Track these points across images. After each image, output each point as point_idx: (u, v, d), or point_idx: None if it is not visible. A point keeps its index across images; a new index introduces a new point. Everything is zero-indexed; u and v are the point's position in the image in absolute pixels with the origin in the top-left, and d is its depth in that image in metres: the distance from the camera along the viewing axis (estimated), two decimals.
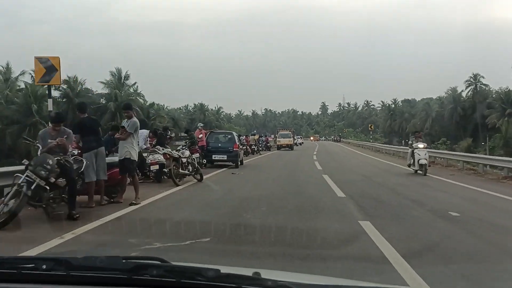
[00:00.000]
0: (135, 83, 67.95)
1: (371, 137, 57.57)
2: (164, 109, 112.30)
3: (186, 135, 18.42)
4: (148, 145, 14.29)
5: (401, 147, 36.29)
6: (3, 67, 61.78)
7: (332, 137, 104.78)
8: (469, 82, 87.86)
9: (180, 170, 12.37)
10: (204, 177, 14.00)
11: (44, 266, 1.39)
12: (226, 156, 19.30)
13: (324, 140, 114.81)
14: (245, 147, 31.03)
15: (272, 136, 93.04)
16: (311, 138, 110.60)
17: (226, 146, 19.62)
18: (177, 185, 12.00)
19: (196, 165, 13.44)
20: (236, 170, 18.04)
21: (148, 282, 1.35)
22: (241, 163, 21.61)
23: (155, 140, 14.09)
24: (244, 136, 35.63)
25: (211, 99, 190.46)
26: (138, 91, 73.98)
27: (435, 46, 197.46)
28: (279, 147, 45.25)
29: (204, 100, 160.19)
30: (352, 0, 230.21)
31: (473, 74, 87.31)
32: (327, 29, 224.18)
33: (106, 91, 65.70)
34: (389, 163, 24.92)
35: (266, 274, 1.46)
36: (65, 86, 62.94)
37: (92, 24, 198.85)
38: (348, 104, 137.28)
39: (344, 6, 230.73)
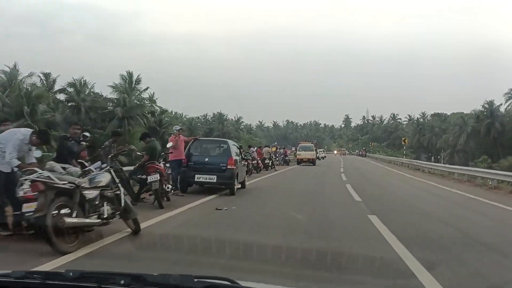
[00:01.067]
0: (147, 88, 61.87)
1: (404, 152, 49.80)
2: (182, 117, 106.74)
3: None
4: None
5: (453, 166, 28.67)
6: (9, 68, 56.94)
7: (357, 151, 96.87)
8: (510, 95, 79.32)
9: (69, 219, 5.45)
10: (164, 216, 7.86)
11: (122, 282, 1.41)
12: (215, 176, 12.36)
13: (348, 154, 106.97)
14: (255, 161, 24.07)
15: (293, 148, 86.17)
16: (335, 151, 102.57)
17: (217, 161, 12.69)
18: (63, 250, 5.27)
19: (125, 203, 6.46)
20: (228, 200, 11.18)
21: None
22: (243, 186, 14.73)
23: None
24: (256, 148, 28.70)
25: (232, 109, 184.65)
26: (151, 97, 68.32)
27: (466, 58, 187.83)
28: (299, 162, 38.16)
29: (226, 110, 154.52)
30: (378, 14, 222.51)
31: None
32: (352, 41, 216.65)
33: (115, 95, 59.80)
34: (452, 190, 17.56)
35: None
36: (71, 89, 57.57)
37: (121, 35, 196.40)
38: (373, 117, 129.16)
39: (371, 21, 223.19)
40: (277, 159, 36.74)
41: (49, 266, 4.57)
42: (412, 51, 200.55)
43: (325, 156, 70.23)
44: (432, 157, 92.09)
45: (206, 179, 12.36)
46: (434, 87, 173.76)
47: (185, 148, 12.77)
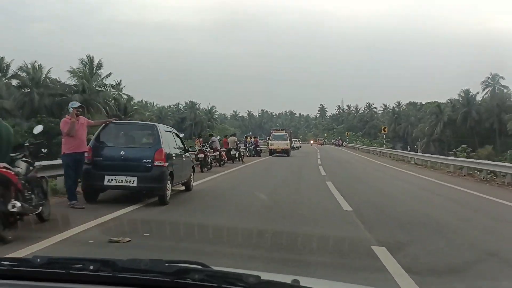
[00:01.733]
0: (110, 73, 56.35)
1: (384, 141, 46.26)
2: (153, 106, 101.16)
3: None
4: None
5: (450, 158, 24.95)
6: None
7: (333, 140, 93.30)
8: (487, 83, 76.96)
9: None
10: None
11: (91, 267, 1.37)
12: (135, 178, 8.05)
13: (323, 144, 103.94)
14: (217, 153, 19.83)
15: (267, 138, 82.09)
16: (311, 141, 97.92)
17: (139, 155, 8.36)
18: None
19: None
20: (148, 216, 7.03)
21: (190, 286, 1.33)
22: (187, 188, 10.54)
23: None
24: (219, 138, 24.47)
25: (205, 99, 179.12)
26: (118, 85, 63.04)
27: (441, 48, 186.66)
28: (272, 152, 34.00)
29: (199, 100, 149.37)
30: (353, 3, 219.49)
31: (491, 74, 76.46)
32: (327, 31, 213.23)
33: (74, 81, 54.32)
34: (450, 186, 13.74)
35: (305, 282, 1.40)
36: (24, 74, 51.85)
37: (91, 23, 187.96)
38: (349, 106, 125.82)
39: (345, 9, 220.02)
40: (246, 149, 32.58)
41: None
42: (387, 40, 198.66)
43: (300, 146, 66.40)
44: (408, 147, 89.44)
45: (121, 182, 8.04)
46: (409, 77, 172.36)
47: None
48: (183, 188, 10.55)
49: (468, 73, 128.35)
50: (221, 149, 21.17)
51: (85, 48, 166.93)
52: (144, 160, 8.15)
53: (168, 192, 8.53)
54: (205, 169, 17.10)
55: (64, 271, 1.39)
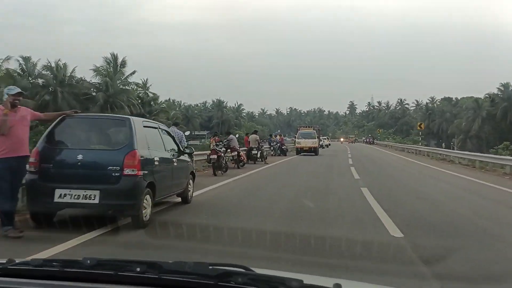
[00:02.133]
0: (134, 71, 54.73)
1: (420, 139, 42.77)
2: (180, 105, 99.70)
3: None
4: None
5: (499, 156, 21.69)
6: None
7: (364, 138, 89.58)
8: None
9: None
10: None
11: (138, 269, 1.39)
12: (97, 193, 5.70)
13: (354, 142, 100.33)
14: (235, 153, 17.47)
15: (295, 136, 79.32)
16: (342, 139, 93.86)
17: (102, 161, 5.98)
18: None
19: None
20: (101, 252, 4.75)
21: None
22: (185, 200, 8.21)
23: None
24: (238, 136, 22.14)
25: (234, 97, 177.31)
26: (144, 84, 61.44)
27: (477, 40, 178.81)
28: (299, 151, 31.40)
29: (228, 98, 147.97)
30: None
31: None
32: (356, 27, 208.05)
33: (98, 80, 53.11)
34: None
35: (346, 285, 1.36)
36: (48, 73, 50.80)
37: (119, 25, 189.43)
38: (379, 103, 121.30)
39: (373, 2, 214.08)
40: (271, 148, 30.11)
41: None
42: (418, 34, 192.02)
43: (329, 144, 63.37)
44: (443, 144, 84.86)
45: (78, 199, 5.71)
46: (443, 72, 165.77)
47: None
48: (179, 199, 8.21)
49: (507, 66, 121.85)
50: (241, 149, 18.78)
51: (113, 49, 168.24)
52: (110, 167, 5.79)
53: (147, 211, 6.14)
54: (220, 172, 14.72)
55: (112, 272, 1.40)
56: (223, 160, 14.99)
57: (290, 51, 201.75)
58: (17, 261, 1.52)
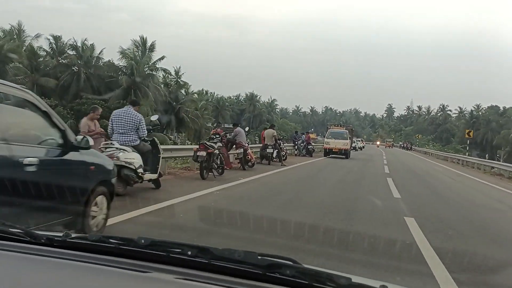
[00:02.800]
0: (163, 57, 51.47)
1: (462, 148, 37.63)
2: (213, 96, 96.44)
3: None
4: None
5: None
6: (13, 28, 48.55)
7: (401, 143, 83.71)
8: None
9: None
10: None
11: (189, 252, 1.40)
12: None
13: (391, 146, 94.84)
14: (240, 150, 13.63)
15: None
16: (378, 142, 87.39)
17: None
18: None
19: None
20: None
21: (280, 280, 1.30)
22: (83, 232, 4.27)
23: None
24: (248, 130, 18.14)
25: (269, 92, 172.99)
26: (177, 72, 58.23)
27: None
28: (327, 152, 27.17)
29: (263, 93, 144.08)
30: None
31: None
32: (395, 27, 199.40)
33: (123, 63, 50.17)
34: None
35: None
36: (74, 53, 48.19)
37: (163, 14, 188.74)
38: (419, 107, 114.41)
39: (413, 5, 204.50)
40: (295, 147, 26.09)
41: None
42: (462, 41, 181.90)
43: (363, 147, 58.43)
44: (486, 155, 78.13)
45: None
46: (489, 78, 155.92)
47: None
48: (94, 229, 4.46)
49: None
50: (248, 145, 14.90)
51: (155, 38, 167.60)
52: None
53: None
54: (212, 174, 10.90)
55: (165, 253, 1.42)
56: (217, 158, 11.11)
57: (331, 50, 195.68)
58: (74, 236, 1.52)
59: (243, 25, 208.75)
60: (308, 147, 26.50)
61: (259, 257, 1.37)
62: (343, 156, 26.48)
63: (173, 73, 73.38)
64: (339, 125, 28.80)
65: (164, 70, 51.54)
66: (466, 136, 33.94)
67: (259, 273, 1.31)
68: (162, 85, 52.05)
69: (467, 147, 37.16)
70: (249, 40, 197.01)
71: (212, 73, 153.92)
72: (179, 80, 78.82)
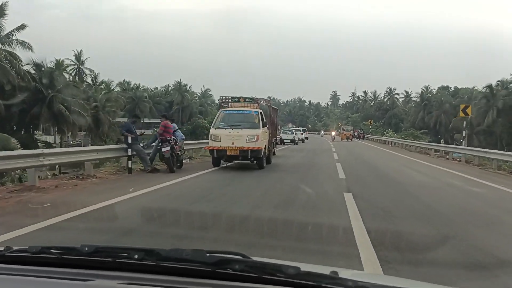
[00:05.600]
0: (23, 26, 34.49)
1: (464, 134, 23.84)
2: (129, 85, 78.50)
3: None
4: None
5: None
6: None
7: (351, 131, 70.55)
8: None
9: None
10: None
11: (136, 256, 1.34)
12: None
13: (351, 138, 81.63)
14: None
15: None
16: (333, 133, 58.68)
17: None
18: None
19: None
20: None
21: (230, 276, 1.27)
22: None
23: None
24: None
25: (202, 82, 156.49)
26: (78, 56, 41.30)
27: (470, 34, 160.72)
28: (217, 159, 12.13)
29: (194, 83, 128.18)
30: None
31: None
32: (339, 15, 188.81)
33: None
34: None
35: (343, 273, 1.30)
36: None
37: (104, 11, 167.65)
38: (365, 93, 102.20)
39: None
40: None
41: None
42: (405, 23, 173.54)
43: (306, 138, 44.26)
44: (442, 140, 66.12)
45: None
46: (434, 62, 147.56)
47: None
48: None
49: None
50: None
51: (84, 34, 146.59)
52: None
53: None
54: None
55: (110, 259, 1.36)
56: None
57: (271, 38, 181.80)
58: (14, 249, 1.45)
59: (184, 19, 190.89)
60: (178, 152, 11.37)
61: (207, 255, 1.31)
62: (253, 162, 11.76)
63: (73, 58, 57.17)
64: (242, 100, 13.17)
65: (23, 44, 34.26)
66: (461, 115, 20.03)
67: (208, 270, 1.27)
68: (25, 65, 35.07)
69: (464, 133, 23.30)
70: (190, 33, 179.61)
71: (149, 68, 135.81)
72: (81, 67, 61.00)
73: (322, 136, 68.87)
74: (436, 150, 23.34)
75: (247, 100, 13.42)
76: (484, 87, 58.83)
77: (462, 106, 20.44)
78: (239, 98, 13.35)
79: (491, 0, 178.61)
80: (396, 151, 27.00)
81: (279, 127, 46.43)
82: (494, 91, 56.76)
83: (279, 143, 33.83)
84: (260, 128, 12.14)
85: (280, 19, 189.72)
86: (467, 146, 42.21)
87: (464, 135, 22.53)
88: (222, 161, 12.33)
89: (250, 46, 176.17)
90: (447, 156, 19.93)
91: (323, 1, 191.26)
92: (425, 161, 17.65)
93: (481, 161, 16.40)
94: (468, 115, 19.81)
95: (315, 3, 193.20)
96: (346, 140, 48.74)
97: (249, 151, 11.62)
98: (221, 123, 12.33)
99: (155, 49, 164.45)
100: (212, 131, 12.17)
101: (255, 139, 11.77)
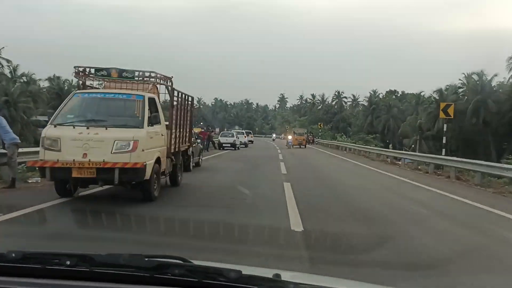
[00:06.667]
0: None
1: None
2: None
3: None
4: None
5: None
6: None
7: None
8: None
9: None
10: None
11: (68, 262, 1.25)
12: None
13: (282, 138, 76.85)
14: None
15: (217, 130, 53.56)
16: (289, 137, 41.35)
17: None
18: None
19: None
20: None
21: (170, 281, 1.20)
22: None
23: None
24: None
25: None
26: None
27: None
28: (58, 179, 6.27)
29: None
30: None
31: None
32: (286, 13, 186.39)
33: None
34: None
35: (286, 276, 1.28)
36: None
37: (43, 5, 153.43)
38: (313, 96, 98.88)
39: None
40: None
41: None
42: (351, 27, 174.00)
43: (250, 141, 38.90)
44: (390, 145, 63.15)
45: None
46: (377, 68, 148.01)
47: None
48: None
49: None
50: None
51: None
52: None
53: None
54: None
55: (40, 266, 1.27)
56: None
57: (219, 39, 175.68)
58: None
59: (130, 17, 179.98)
60: None
61: (146, 259, 1.25)
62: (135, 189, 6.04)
63: None
64: (115, 74, 7.53)
65: None
66: (442, 116, 15.39)
67: (146, 275, 1.19)
68: None
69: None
70: (136, 32, 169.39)
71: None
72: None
73: (273, 140, 63.35)
74: (396, 158, 20.30)
75: (125, 75, 7.38)
76: (434, 91, 56.38)
77: (442, 105, 15.82)
78: (109, 70, 7.27)
79: (435, 3, 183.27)
80: (354, 159, 22.12)
81: (215, 130, 39.99)
82: (444, 96, 54.41)
83: (217, 147, 28.15)
84: (143, 127, 6.32)
85: (228, 19, 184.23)
86: (418, 152, 39.25)
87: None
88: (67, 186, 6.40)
89: (196, 44, 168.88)
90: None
91: (271, 2, 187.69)
92: (410, 179, 12.65)
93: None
94: (450, 116, 15.16)
95: (262, 3, 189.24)
96: (298, 146, 37.28)
97: (116, 171, 5.80)
98: (69, 116, 6.39)
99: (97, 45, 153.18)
100: (48, 130, 6.17)
101: (130, 148, 5.99)
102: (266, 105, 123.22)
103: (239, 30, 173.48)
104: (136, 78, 7.28)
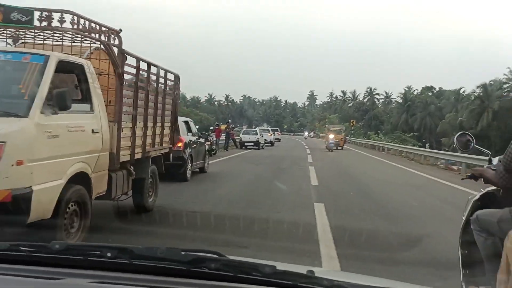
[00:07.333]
0: None
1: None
2: None
3: None
4: None
5: None
6: None
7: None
8: None
9: None
10: None
11: (109, 254, 1.27)
12: None
13: (312, 136, 72.96)
14: None
15: (244, 127, 50.66)
16: (331, 135, 28.17)
17: None
18: None
19: None
20: None
21: (205, 274, 1.22)
22: None
23: None
24: None
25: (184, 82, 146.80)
26: None
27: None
28: None
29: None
30: None
31: None
32: (318, 12, 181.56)
33: None
34: None
35: (319, 272, 1.25)
36: None
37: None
38: (344, 93, 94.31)
39: None
40: None
41: None
42: (385, 26, 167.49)
43: (277, 139, 35.71)
44: (427, 145, 58.19)
45: None
46: (415, 62, 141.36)
47: None
48: None
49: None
50: None
51: None
52: None
53: None
54: None
55: (82, 257, 1.30)
56: None
57: (248, 36, 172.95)
58: None
59: (155, 13, 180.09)
60: None
61: (182, 253, 1.26)
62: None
63: None
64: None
65: None
66: None
67: (183, 269, 1.22)
68: None
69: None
70: (160, 28, 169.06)
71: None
72: None
73: (306, 138, 58.29)
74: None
75: (15, 16, 3.88)
76: (478, 87, 51.26)
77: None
78: None
79: (476, 3, 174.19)
80: (399, 162, 18.51)
81: (235, 126, 36.48)
82: (489, 91, 49.32)
83: (239, 146, 24.97)
84: (30, 115, 3.24)
85: (256, 19, 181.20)
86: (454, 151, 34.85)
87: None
88: None
89: (225, 44, 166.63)
90: None
91: (301, 3, 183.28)
92: None
93: None
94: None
95: (293, 5, 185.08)
96: (335, 148, 27.70)
97: None
98: None
99: None
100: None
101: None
102: (295, 102, 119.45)
103: (266, 28, 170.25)
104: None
